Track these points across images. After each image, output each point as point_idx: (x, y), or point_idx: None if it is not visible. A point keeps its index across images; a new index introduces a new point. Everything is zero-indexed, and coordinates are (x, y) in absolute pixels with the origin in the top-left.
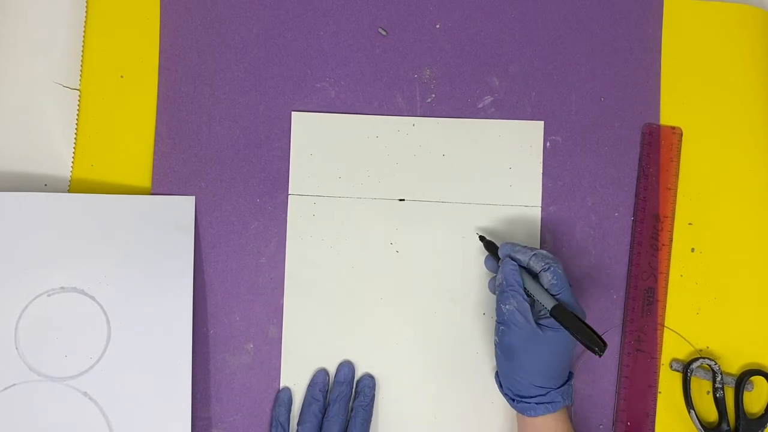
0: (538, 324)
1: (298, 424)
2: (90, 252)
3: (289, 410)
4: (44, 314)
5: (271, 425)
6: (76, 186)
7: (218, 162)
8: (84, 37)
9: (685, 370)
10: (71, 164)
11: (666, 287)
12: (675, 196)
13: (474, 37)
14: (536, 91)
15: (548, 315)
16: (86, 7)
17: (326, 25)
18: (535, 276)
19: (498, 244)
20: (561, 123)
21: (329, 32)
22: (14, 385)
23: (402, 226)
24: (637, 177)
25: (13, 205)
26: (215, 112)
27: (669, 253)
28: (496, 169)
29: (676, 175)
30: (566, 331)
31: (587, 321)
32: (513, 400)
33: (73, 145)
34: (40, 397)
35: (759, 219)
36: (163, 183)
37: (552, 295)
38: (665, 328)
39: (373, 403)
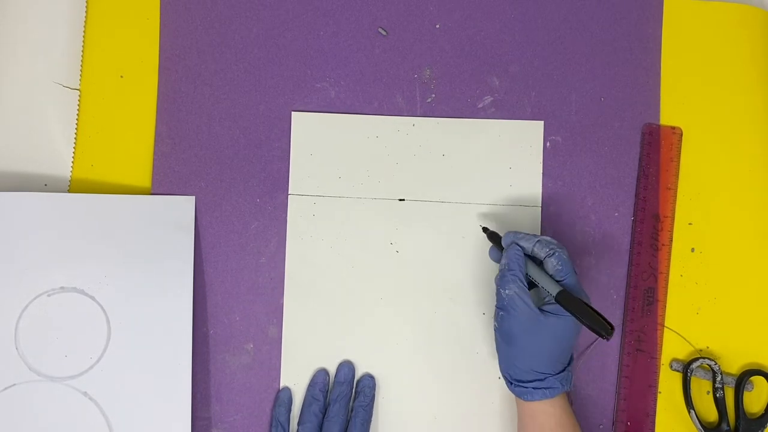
0: (540, 310)
1: (298, 424)
2: (90, 252)
3: (290, 410)
4: (44, 314)
5: (271, 425)
6: (76, 186)
7: (218, 162)
8: (84, 37)
9: (685, 370)
10: (71, 164)
11: (666, 287)
12: (675, 196)
13: (474, 37)
14: (536, 91)
15: (553, 301)
16: (86, 7)
17: (326, 25)
18: (539, 263)
19: (501, 234)
20: (561, 123)
21: (329, 32)
22: (14, 385)
23: (402, 226)
24: (637, 177)
25: (13, 205)
26: (215, 112)
27: (669, 253)
28: (496, 169)
29: (676, 175)
30: (568, 317)
31: (597, 310)
32: (511, 383)
33: (73, 145)
34: (40, 397)
35: (759, 219)
36: (163, 183)
37: (557, 281)
38: (665, 328)
39: (373, 403)
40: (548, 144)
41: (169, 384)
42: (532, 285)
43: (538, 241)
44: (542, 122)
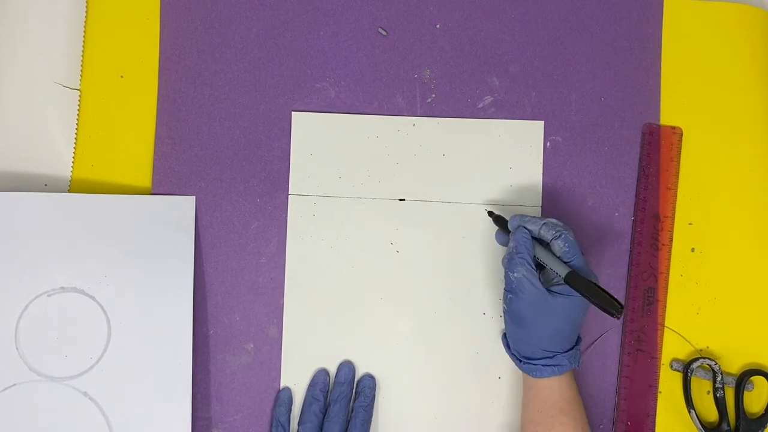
0: (549, 291)
1: (298, 424)
2: (90, 252)
3: (290, 410)
4: (44, 314)
5: (271, 425)
6: (76, 186)
7: (218, 162)
8: (84, 37)
9: (686, 370)
10: (71, 164)
11: (666, 287)
12: (675, 196)
13: (474, 37)
14: (536, 91)
15: (561, 282)
16: (86, 7)
17: (326, 25)
18: (546, 246)
19: (507, 218)
20: (561, 123)
21: (329, 32)
22: (14, 385)
23: (402, 226)
24: (637, 177)
25: (13, 205)
26: (215, 112)
27: (669, 253)
28: (496, 169)
29: (676, 175)
30: (577, 297)
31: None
32: (520, 361)
33: (73, 145)
34: (40, 397)
35: (759, 219)
36: (163, 183)
37: (565, 262)
38: (665, 328)
39: (373, 403)
40: (548, 144)
41: (169, 384)
42: (539, 267)
43: (544, 223)
44: (542, 122)
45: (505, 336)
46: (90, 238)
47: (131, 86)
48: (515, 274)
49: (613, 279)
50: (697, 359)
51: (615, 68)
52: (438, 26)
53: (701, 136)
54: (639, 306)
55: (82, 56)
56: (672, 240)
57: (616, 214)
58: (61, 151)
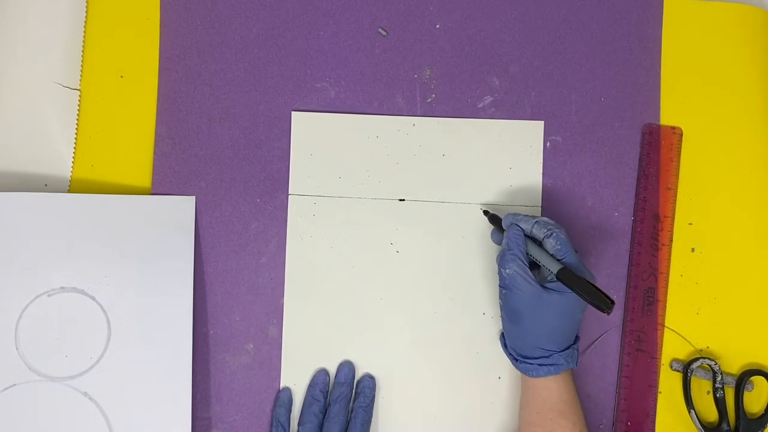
0: (543, 287)
1: (298, 425)
2: (90, 252)
3: (290, 410)
4: (44, 314)
5: (271, 425)
6: (76, 186)
7: (218, 162)
8: (84, 37)
9: (685, 370)
10: (71, 164)
11: (666, 287)
12: (675, 196)
13: (474, 37)
14: (536, 91)
15: (555, 279)
16: (86, 7)
17: (326, 25)
18: (540, 244)
19: (501, 216)
20: (561, 123)
21: (329, 32)
22: (14, 385)
23: (402, 226)
24: (637, 177)
25: (13, 205)
26: (215, 112)
27: (669, 253)
28: (496, 169)
29: (676, 175)
30: (571, 294)
31: (598, 286)
32: (516, 360)
33: (73, 145)
34: (40, 397)
35: (759, 219)
36: (163, 183)
37: (558, 260)
38: (665, 328)
39: (373, 403)
40: (548, 144)
41: (169, 384)
42: (535, 266)
43: (536, 222)
44: (542, 122)
45: (503, 336)
46: (90, 238)
47: (131, 86)
48: (507, 270)
49: (613, 279)
50: (697, 359)
51: (615, 68)
52: (438, 26)
53: (701, 136)
54: (639, 306)
55: (82, 56)
56: (672, 240)
57: (616, 214)
58: (61, 151)
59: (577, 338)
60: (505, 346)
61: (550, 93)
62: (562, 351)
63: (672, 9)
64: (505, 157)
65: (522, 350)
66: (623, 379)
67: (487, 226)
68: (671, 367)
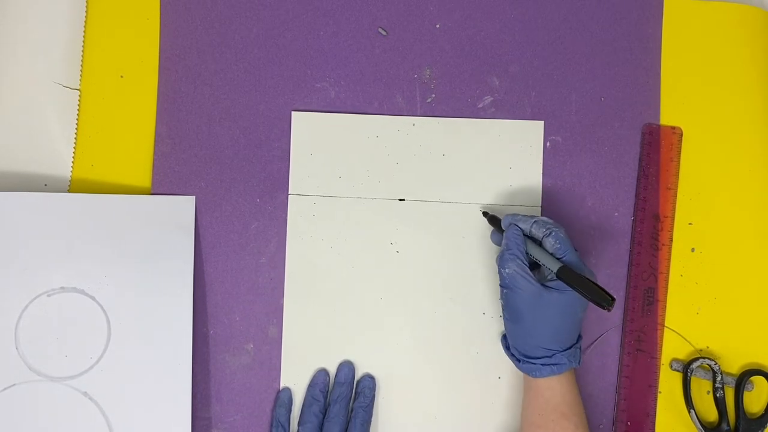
0: (544, 286)
1: (298, 425)
2: (90, 252)
3: (290, 410)
4: (44, 314)
5: (271, 425)
6: (76, 186)
7: (218, 162)
8: (84, 37)
9: (685, 370)
10: (71, 164)
11: (666, 287)
12: (675, 196)
13: (474, 37)
14: (536, 91)
15: (555, 277)
16: (86, 7)
17: (326, 25)
18: (539, 243)
19: (501, 217)
20: (561, 123)
21: (329, 32)
22: (14, 385)
23: (402, 226)
24: (637, 177)
25: (13, 205)
26: (215, 112)
27: (669, 253)
28: (496, 169)
29: (676, 175)
30: (572, 293)
31: (599, 284)
32: (519, 360)
33: (73, 145)
34: (40, 397)
35: (759, 219)
36: (163, 183)
37: (557, 258)
38: (665, 328)
39: (373, 403)
40: (548, 144)
41: (169, 384)
42: (536, 265)
43: (535, 221)
44: (542, 122)
45: (504, 338)
46: (90, 238)
47: (131, 86)
48: (507, 270)
49: (613, 279)
50: (696, 359)
51: (615, 68)
52: (438, 26)
53: (701, 136)
54: (639, 306)
55: (82, 56)
56: (672, 240)
57: (616, 214)
58: (61, 151)
59: (579, 337)
60: (507, 348)
61: (550, 93)
62: (565, 350)
63: (672, 9)
64: (505, 157)
65: (524, 350)
66: (623, 379)
67: (486, 226)
68: (671, 367)
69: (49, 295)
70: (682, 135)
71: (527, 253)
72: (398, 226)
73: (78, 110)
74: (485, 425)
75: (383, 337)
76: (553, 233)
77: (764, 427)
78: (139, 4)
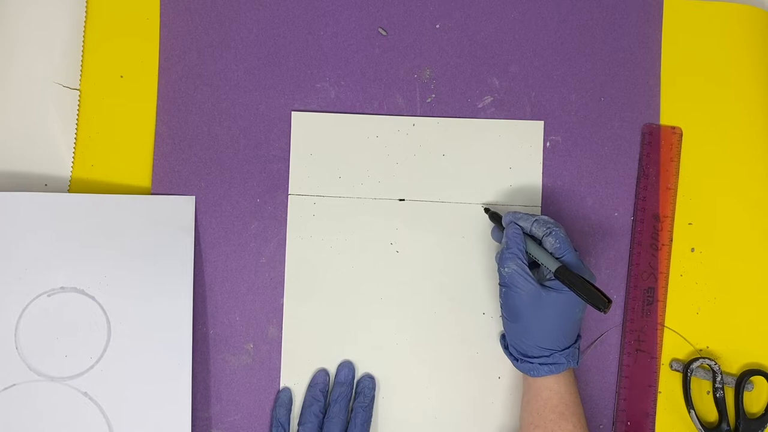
0: (543, 285)
1: (298, 425)
2: (90, 252)
3: (290, 410)
4: (44, 314)
5: (271, 425)
6: (76, 186)
7: (218, 162)
8: (84, 37)
9: (685, 370)
10: (71, 164)
11: (666, 287)
12: (675, 196)
13: (474, 37)
14: (536, 91)
15: (553, 277)
16: (86, 7)
17: (326, 25)
18: (539, 242)
19: (502, 215)
20: (561, 123)
21: (329, 32)
22: (14, 385)
23: (402, 226)
24: (637, 177)
25: (13, 205)
26: (215, 112)
27: (669, 253)
28: (496, 169)
29: (676, 175)
30: (570, 293)
31: (597, 285)
32: (517, 360)
33: (73, 145)
34: (40, 397)
35: (759, 219)
36: (163, 183)
37: (556, 258)
38: (665, 328)
39: (373, 403)
40: (548, 144)
41: (169, 384)
42: (536, 264)
43: (535, 220)
44: (542, 122)
45: (503, 337)
46: (90, 238)
47: (131, 86)
48: (506, 269)
49: (613, 279)
50: (696, 359)
51: (615, 68)
52: (438, 26)
53: (701, 136)
54: (639, 306)
55: (82, 56)
56: (672, 240)
57: (616, 214)
58: (61, 151)
59: (578, 337)
60: (505, 347)
61: (550, 93)
62: (563, 350)
63: (672, 9)
64: (505, 157)
65: (523, 349)
66: (623, 379)
67: (486, 226)
68: (671, 367)
69: (49, 295)
70: (682, 135)
71: (527, 252)
72: (398, 226)
73: (78, 110)
74: (485, 425)
75: (383, 337)
76: (554, 233)
77: (764, 427)
78: (139, 4)
